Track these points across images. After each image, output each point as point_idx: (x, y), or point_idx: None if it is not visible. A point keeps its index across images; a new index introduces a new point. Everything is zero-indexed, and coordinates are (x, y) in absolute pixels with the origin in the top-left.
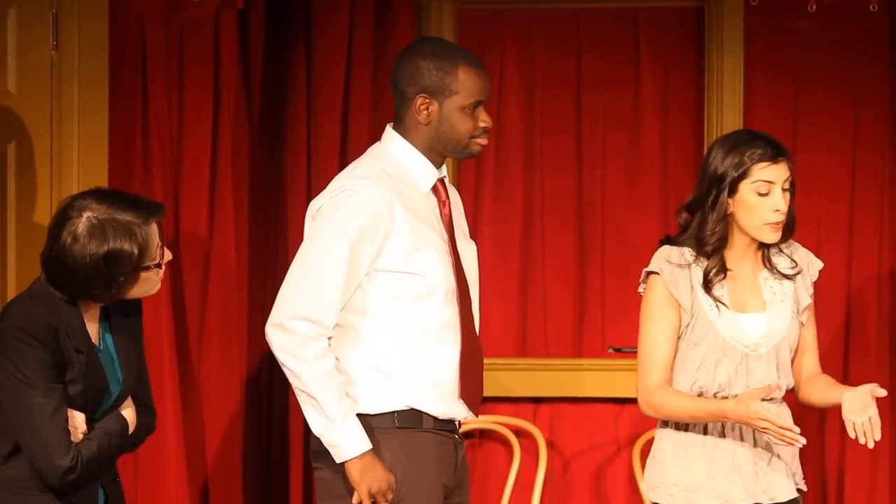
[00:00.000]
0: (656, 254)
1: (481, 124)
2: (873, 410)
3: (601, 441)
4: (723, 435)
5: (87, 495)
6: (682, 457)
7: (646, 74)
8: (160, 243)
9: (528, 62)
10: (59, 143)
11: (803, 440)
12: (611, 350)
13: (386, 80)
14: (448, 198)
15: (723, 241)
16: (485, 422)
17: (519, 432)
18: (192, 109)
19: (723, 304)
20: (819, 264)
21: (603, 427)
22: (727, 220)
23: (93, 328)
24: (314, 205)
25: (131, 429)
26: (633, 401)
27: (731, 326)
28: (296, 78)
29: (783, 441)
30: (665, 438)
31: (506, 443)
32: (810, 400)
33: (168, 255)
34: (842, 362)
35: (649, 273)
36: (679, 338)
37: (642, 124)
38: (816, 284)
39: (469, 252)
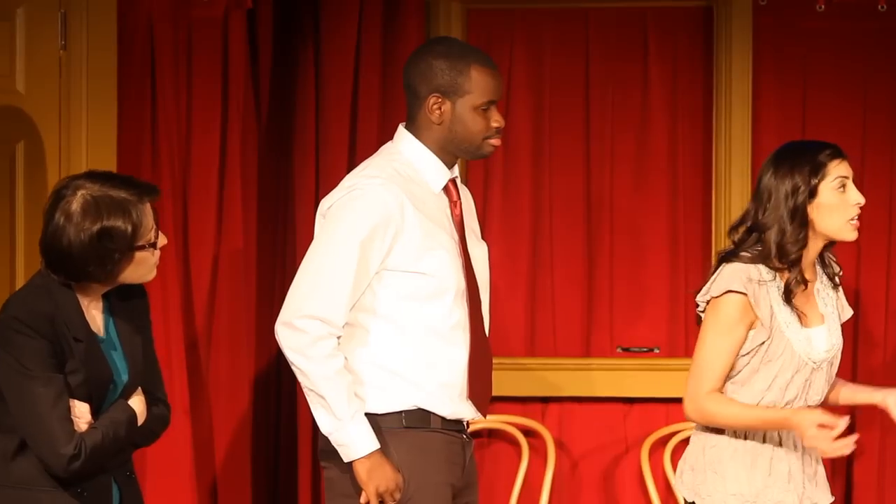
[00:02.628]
0: (731, 273)
1: (494, 124)
2: None
3: (610, 441)
4: (779, 444)
5: (101, 491)
6: (740, 466)
7: (654, 74)
8: (155, 225)
9: (537, 62)
10: (67, 143)
11: (851, 448)
12: (619, 350)
13: (394, 79)
14: (459, 198)
15: (804, 249)
16: (493, 421)
17: (527, 432)
18: (200, 109)
19: (801, 315)
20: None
21: (611, 427)
22: (808, 226)
23: (95, 317)
24: (325, 203)
25: (140, 420)
26: (642, 400)
27: (803, 343)
28: (304, 77)
29: (832, 455)
30: (719, 447)
31: (514, 442)
32: (833, 400)
33: (163, 240)
34: (850, 361)
35: (730, 291)
36: (748, 354)
37: (651, 124)
38: None
39: (480, 253)
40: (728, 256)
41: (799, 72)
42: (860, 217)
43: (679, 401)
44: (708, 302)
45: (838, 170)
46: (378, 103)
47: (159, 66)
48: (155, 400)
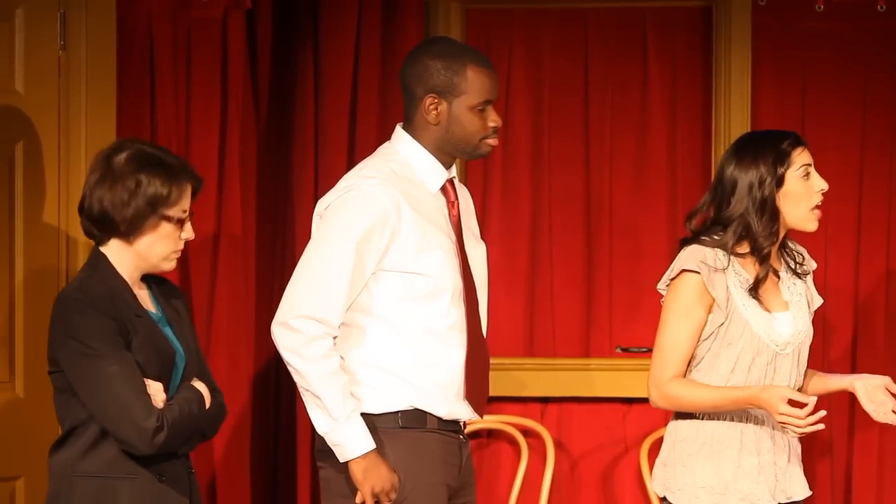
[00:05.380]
0: (688, 254)
1: (490, 124)
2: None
3: (609, 441)
4: (748, 437)
5: (178, 478)
6: (707, 459)
7: (653, 74)
8: (188, 210)
9: (536, 62)
10: (66, 143)
11: (822, 426)
12: (618, 350)
13: (394, 79)
14: (457, 199)
15: (776, 239)
16: (492, 422)
17: (527, 432)
18: (199, 109)
19: (761, 301)
20: (814, 265)
21: (611, 427)
22: (779, 218)
23: (143, 298)
24: (322, 204)
25: (207, 403)
26: (642, 400)
27: (764, 325)
28: (303, 78)
29: (803, 432)
30: (689, 441)
31: (513, 443)
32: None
33: (190, 231)
34: (850, 361)
35: (684, 271)
36: (709, 338)
37: (650, 124)
38: (824, 281)
39: (478, 253)
40: (688, 241)
41: (798, 72)
42: (860, 216)
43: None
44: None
45: (801, 158)
46: (377, 103)
47: (158, 66)
48: (211, 390)
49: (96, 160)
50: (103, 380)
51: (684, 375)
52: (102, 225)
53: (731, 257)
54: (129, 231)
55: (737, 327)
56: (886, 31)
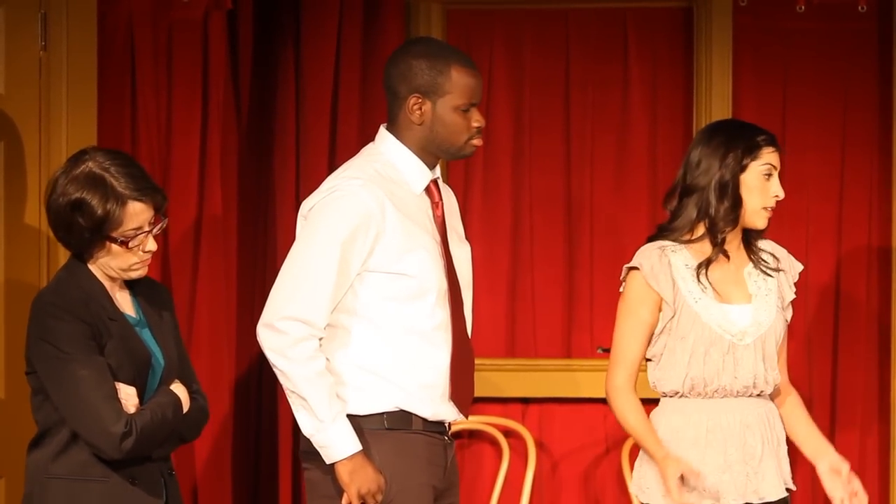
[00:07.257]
0: (638, 251)
1: (474, 124)
2: (857, 485)
3: (590, 441)
4: (714, 435)
5: (152, 482)
6: None
7: (634, 74)
8: (145, 228)
9: (517, 62)
10: (47, 144)
11: None
12: (599, 350)
13: (374, 79)
14: (441, 199)
15: (735, 225)
16: (474, 422)
17: (508, 433)
18: (180, 110)
19: (707, 287)
20: (799, 266)
21: (592, 427)
22: (741, 206)
23: (122, 301)
24: (306, 205)
25: (185, 406)
26: None
27: (716, 316)
28: (285, 78)
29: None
30: None
31: (495, 443)
32: (788, 431)
33: (150, 245)
34: (831, 360)
35: (630, 269)
36: (662, 333)
37: (631, 124)
38: (805, 281)
39: (463, 254)
40: (653, 238)
41: (779, 72)
42: (840, 215)
43: (657, 402)
44: None
45: (769, 157)
46: (358, 104)
47: (139, 67)
48: (193, 393)
49: (61, 168)
50: (73, 384)
51: (636, 375)
52: (58, 239)
53: (683, 246)
54: (79, 252)
55: (687, 319)
56: (867, 32)
